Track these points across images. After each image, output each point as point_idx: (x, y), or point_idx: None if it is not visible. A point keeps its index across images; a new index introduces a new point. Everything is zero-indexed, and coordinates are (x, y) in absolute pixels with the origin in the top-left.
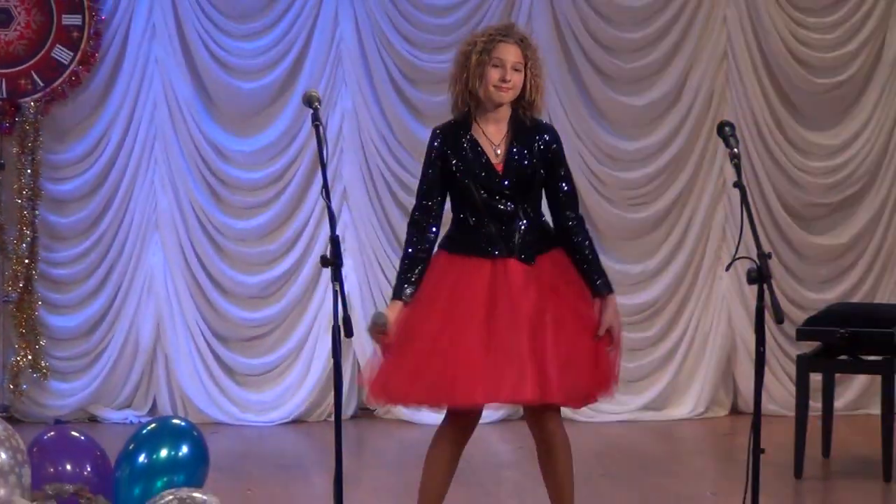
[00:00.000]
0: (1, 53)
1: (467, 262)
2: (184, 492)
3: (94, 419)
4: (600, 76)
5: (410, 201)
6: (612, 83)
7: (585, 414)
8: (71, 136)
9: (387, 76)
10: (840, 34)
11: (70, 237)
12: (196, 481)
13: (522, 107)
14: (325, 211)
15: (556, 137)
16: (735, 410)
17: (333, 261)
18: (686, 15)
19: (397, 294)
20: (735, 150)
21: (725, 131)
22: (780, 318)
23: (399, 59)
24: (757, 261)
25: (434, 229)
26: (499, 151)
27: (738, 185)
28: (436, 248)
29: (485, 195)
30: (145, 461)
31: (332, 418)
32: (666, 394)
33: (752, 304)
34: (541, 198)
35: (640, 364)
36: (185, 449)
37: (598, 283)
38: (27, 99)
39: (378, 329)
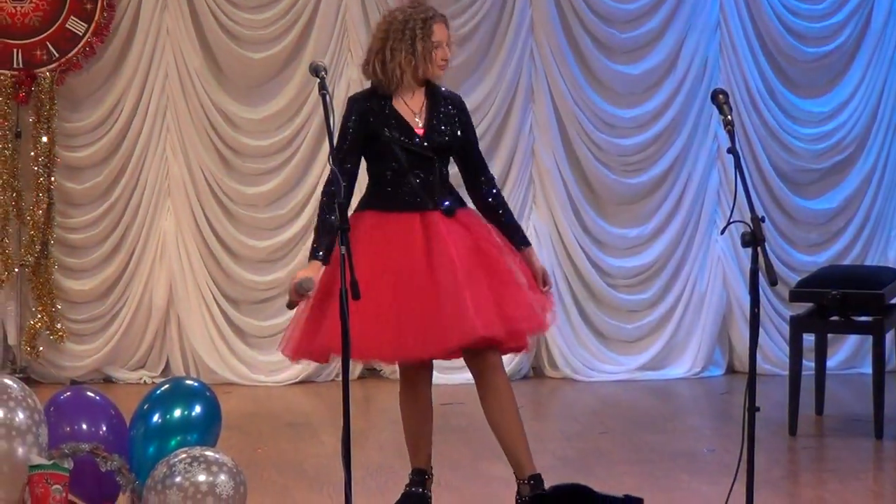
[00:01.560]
0: (17, 25)
1: (398, 218)
2: (197, 450)
3: (108, 380)
4: (597, 46)
5: None
6: (608, 53)
7: (584, 374)
8: (85, 106)
9: None
10: (828, 4)
11: (85, 203)
12: (209, 440)
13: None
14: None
15: (464, 106)
16: (731, 370)
17: (341, 225)
18: None
19: (315, 255)
20: (729, 117)
21: (719, 99)
22: (773, 281)
23: None
24: (750, 224)
25: (341, 193)
26: (418, 119)
27: (732, 151)
28: (355, 210)
29: (407, 156)
30: (159, 421)
31: (340, 378)
32: (663, 354)
33: (747, 266)
34: (450, 161)
35: (637, 325)
36: (198, 409)
37: (520, 237)
38: (43, 69)
39: (302, 294)
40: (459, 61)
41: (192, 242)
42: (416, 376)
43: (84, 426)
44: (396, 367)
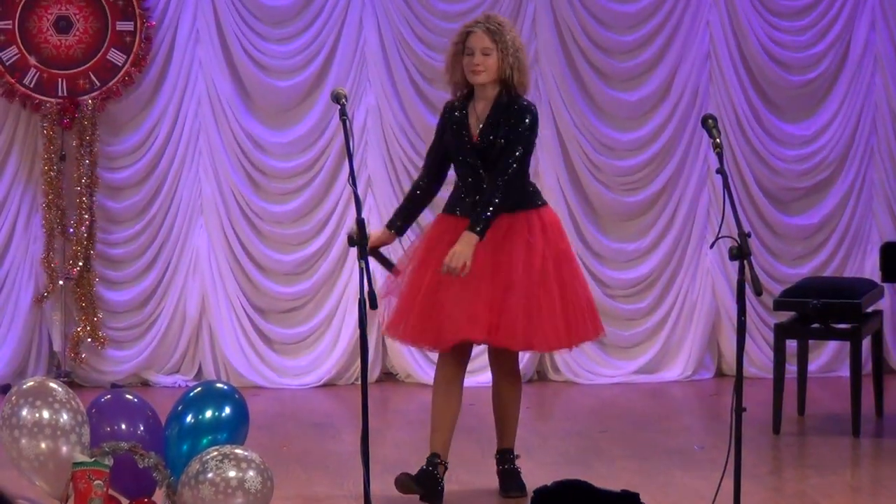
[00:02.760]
0: (61, 57)
1: (448, 221)
2: (227, 448)
3: (146, 383)
4: (597, 74)
5: None
6: (607, 80)
7: (585, 377)
8: (124, 130)
9: (406, 75)
10: (810, 36)
11: (124, 220)
12: (238, 439)
13: (506, 86)
14: (352, 196)
15: (521, 117)
16: (719, 373)
17: (359, 241)
18: (673, 19)
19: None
20: (718, 140)
21: (709, 123)
22: (759, 291)
23: (417, 60)
24: (738, 239)
25: (422, 182)
26: (481, 125)
27: (721, 171)
28: (538, 203)
29: (463, 162)
30: (192, 421)
31: (359, 381)
32: (657, 358)
33: (734, 277)
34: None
35: (634, 332)
36: (227, 410)
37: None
38: (85, 97)
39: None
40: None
41: (223, 256)
42: (461, 351)
43: (123, 426)
44: (411, 372)
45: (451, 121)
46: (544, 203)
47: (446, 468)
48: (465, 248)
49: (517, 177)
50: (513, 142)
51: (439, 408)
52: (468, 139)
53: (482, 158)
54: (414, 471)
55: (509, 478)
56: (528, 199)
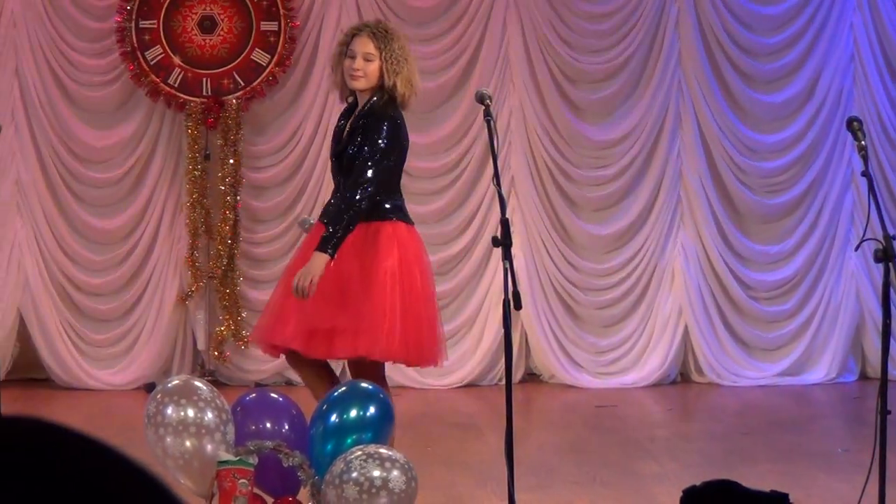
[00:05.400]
0: (206, 56)
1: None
2: (371, 448)
3: (290, 383)
4: (740, 76)
5: (571, 188)
6: (750, 82)
7: (728, 379)
8: (268, 130)
9: (549, 76)
10: None
11: (268, 220)
12: (382, 438)
13: (387, 96)
14: (496, 196)
15: (377, 126)
16: (863, 376)
17: (504, 241)
18: (817, 21)
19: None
20: (863, 142)
21: (854, 126)
22: None
23: (560, 61)
24: (883, 242)
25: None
26: (346, 133)
27: (866, 174)
28: (391, 217)
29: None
30: (337, 420)
31: (503, 382)
32: (801, 361)
33: (879, 280)
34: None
35: (777, 334)
36: (372, 409)
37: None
38: (229, 97)
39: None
40: (612, 91)
41: None
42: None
43: (268, 425)
44: (555, 373)
45: (336, 127)
46: (398, 219)
47: None
48: (311, 267)
49: (371, 186)
50: (366, 151)
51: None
52: (333, 146)
53: (338, 167)
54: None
55: None
56: (377, 211)
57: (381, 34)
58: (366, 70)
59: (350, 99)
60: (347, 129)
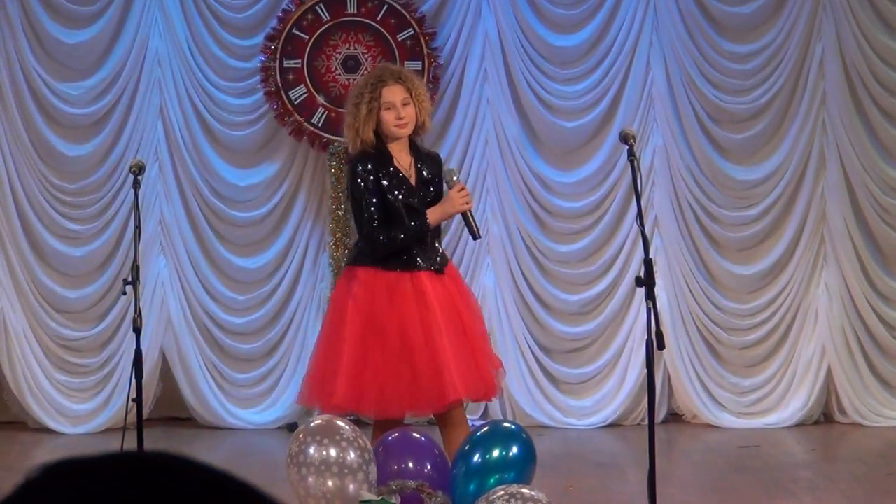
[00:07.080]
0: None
1: (392, 277)
2: (514, 488)
3: (432, 422)
4: (885, 115)
5: (715, 228)
6: (895, 121)
7: (871, 419)
8: None
9: (694, 116)
10: None
11: None
12: (525, 478)
13: (416, 132)
14: (639, 236)
15: (437, 163)
16: None
17: (647, 281)
18: None
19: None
20: None
21: None
22: None
23: (705, 101)
24: None
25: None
26: (412, 172)
27: None
28: (351, 263)
29: (405, 211)
30: (479, 460)
31: (646, 422)
32: None
33: None
34: None
35: None
36: (515, 449)
37: None
38: None
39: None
40: (756, 130)
41: (510, 295)
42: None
43: (410, 465)
44: (698, 413)
45: (389, 173)
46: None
47: None
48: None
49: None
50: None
51: None
52: (409, 193)
53: (425, 207)
54: None
55: None
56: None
57: (407, 78)
58: (409, 116)
59: (374, 146)
60: (423, 174)
